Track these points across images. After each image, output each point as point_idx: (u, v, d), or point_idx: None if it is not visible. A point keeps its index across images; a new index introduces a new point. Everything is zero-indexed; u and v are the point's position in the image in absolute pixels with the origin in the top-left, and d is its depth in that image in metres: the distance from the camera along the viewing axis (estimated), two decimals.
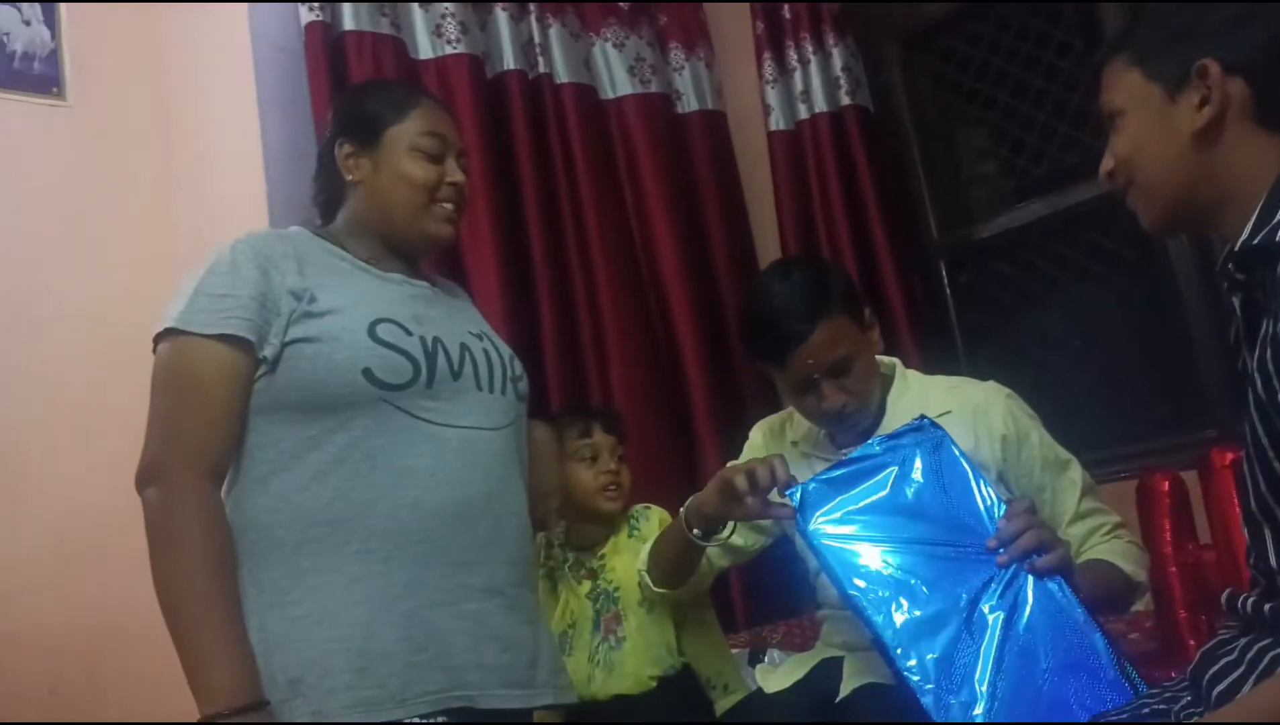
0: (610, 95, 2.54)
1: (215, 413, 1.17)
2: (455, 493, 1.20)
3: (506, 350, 1.37)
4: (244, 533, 1.17)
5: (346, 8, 2.06)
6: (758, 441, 1.68)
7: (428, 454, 1.20)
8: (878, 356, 1.55)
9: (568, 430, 1.74)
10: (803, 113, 2.61)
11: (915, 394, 1.51)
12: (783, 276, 1.48)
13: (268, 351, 1.18)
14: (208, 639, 1.08)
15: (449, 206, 1.34)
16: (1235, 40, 0.96)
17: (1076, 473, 1.48)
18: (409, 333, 1.22)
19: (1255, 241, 0.91)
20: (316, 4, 2.03)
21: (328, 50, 2.02)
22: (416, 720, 1.13)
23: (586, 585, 1.74)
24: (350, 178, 1.33)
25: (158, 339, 1.20)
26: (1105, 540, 1.45)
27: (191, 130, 2.30)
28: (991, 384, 1.53)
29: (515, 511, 1.28)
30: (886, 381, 1.54)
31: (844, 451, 1.48)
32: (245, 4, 2.03)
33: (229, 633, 1.10)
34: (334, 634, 1.12)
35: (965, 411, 1.46)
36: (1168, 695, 1.05)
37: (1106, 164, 1.08)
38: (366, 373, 1.17)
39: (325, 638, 1.12)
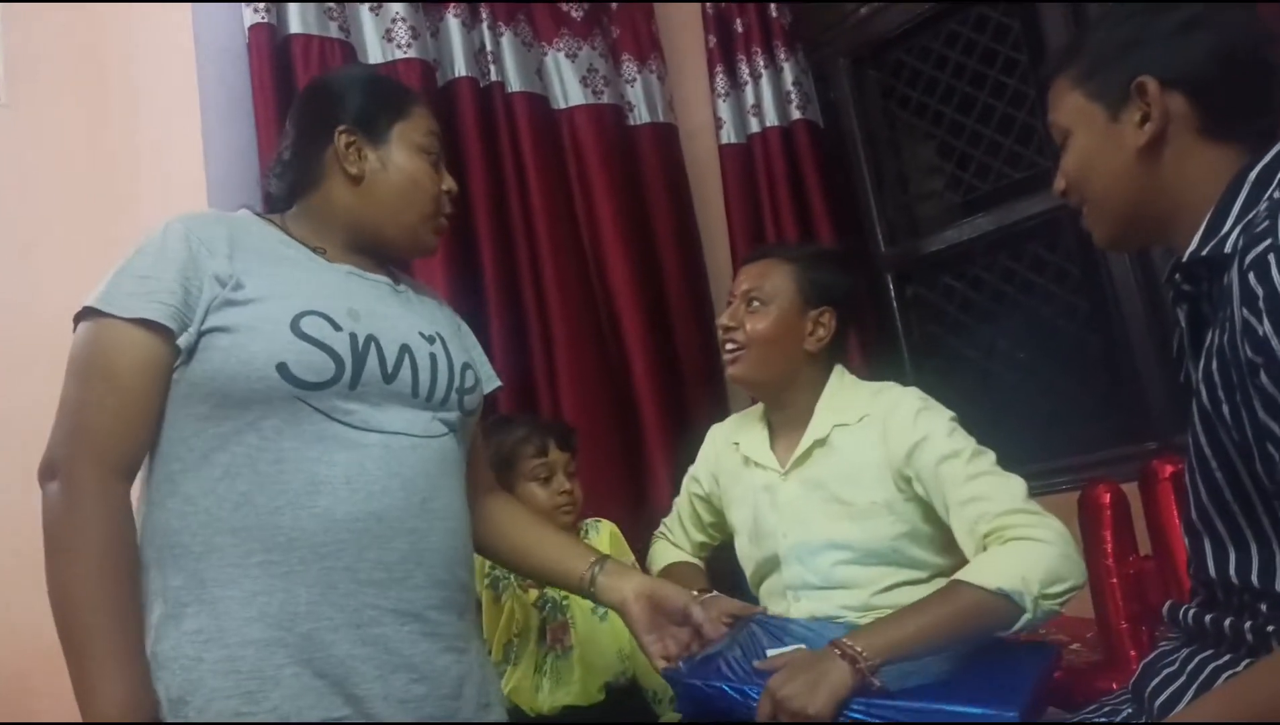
0: (562, 105, 2.53)
1: (128, 404, 1.07)
2: (371, 504, 1.10)
3: (461, 358, 1.27)
4: (151, 537, 1.08)
5: (293, 10, 2.02)
6: (707, 447, 1.72)
7: (343, 461, 1.10)
8: (832, 365, 1.58)
9: (523, 446, 1.73)
10: (754, 126, 2.63)
11: (842, 398, 1.53)
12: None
13: (183, 340, 1.08)
14: (100, 652, 1.00)
15: (443, 218, 1.30)
16: (1172, 55, 0.97)
17: (962, 462, 1.38)
18: (338, 328, 1.12)
19: (1203, 253, 0.92)
20: (261, 5, 1.99)
21: (273, 53, 1.98)
22: None
23: (533, 594, 1.72)
24: (353, 171, 1.24)
25: (77, 319, 1.11)
26: (981, 544, 1.33)
27: (133, 132, 2.24)
28: (910, 389, 1.53)
29: (443, 528, 1.17)
30: (820, 383, 1.56)
31: (774, 456, 1.55)
32: (188, 4, 1.98)
33: (123, 647, 1.01)
34: (226, 653, 1.03)
35: (878, 416, 1.48)
36: (1108, 709, 1.06)
37: (1059, 183, 1.09)
38: (282, 368, 1.07)
39: (216, 657, 1.03)
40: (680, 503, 1.74)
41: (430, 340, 1.24)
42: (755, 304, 1.53)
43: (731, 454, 1.63)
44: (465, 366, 1.27)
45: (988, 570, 1.25)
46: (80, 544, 1.03)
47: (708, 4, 2.70)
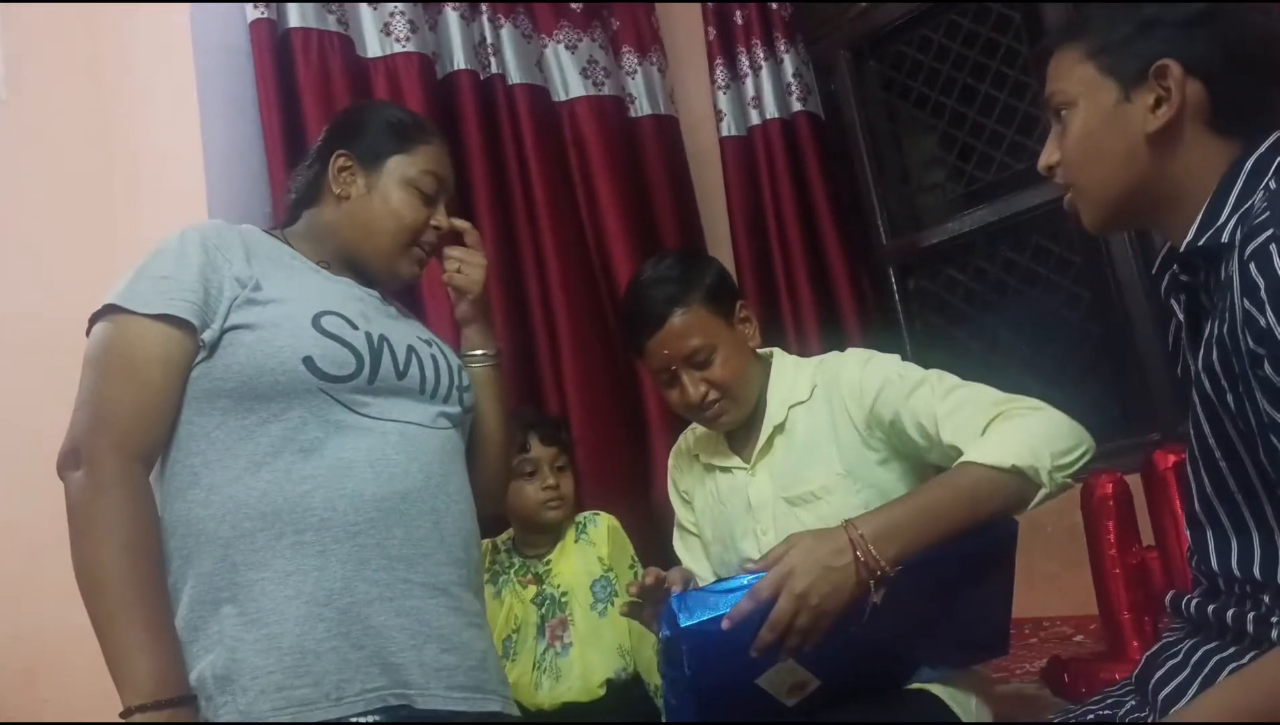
0: (563, 97, 2.52)
1: (150, 395, 1.12)
2: (395, 485, 1.16)
3: (456, 360, 1.35)
4: (174, 528, 1.12)
5: (292, 5, 2.02)
6: (672, 469, 1.65)
7: (365, 446, 1.16)
8: (760, 350, 1.52)
9: None
10: (755, 119, 2.63)
11: (790, 378, 1.48)
12: (649, 269, 1.50)
13: (207, 336, 1.14)
14: (131, 629, 1.04)
15: (425, 250, 1.35)
16: (1196, 41, 0.94)
17: (929, 383, 1.32)
18: (355, 327, 1.20)
19: (1200, 244, 0.92)
20: (261, 2, 1.99)
21: (273, 48, 1.98)
22: (353, 720, 1.07)
23: (531, 590, 1.72)
24: (337, 191, 1.31)
25: (94, 318, 1.15)
26: (977, 434, 1.23)
27: (132, 130, 2.24)
28: (850, 351, 1.48)
29: (458, 511, 1.23)
30: (767, 373, 1.50)
31: (737, 456, 1.49)
32: (186, 2, 1.98)
33: (153, 623, 1.05)
34: (266, 632, 1.08)
35: (827, 384, 1.43)
36: (1111, 700, 1.06)
37: (1050, 156, 1.04)
38: (308, 362, 1.14)
39: (257, 636, 1.08)
40: (679, 550, 1.61)
41: (428, 343, 1.32)
42: (700, 358, 1.42)
43: (693, 468, 1.58)
44: (460, 367, 1.35)
45: (995, 448, 1.16)
46: (106, 525, 1.07)
47: None
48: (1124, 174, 0.98)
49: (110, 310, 1.14)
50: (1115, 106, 0.97)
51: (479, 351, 1.41)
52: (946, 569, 1.16)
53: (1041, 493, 1.16)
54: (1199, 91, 0.94)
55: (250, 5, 1.99)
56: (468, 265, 1.39)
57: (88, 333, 1.16)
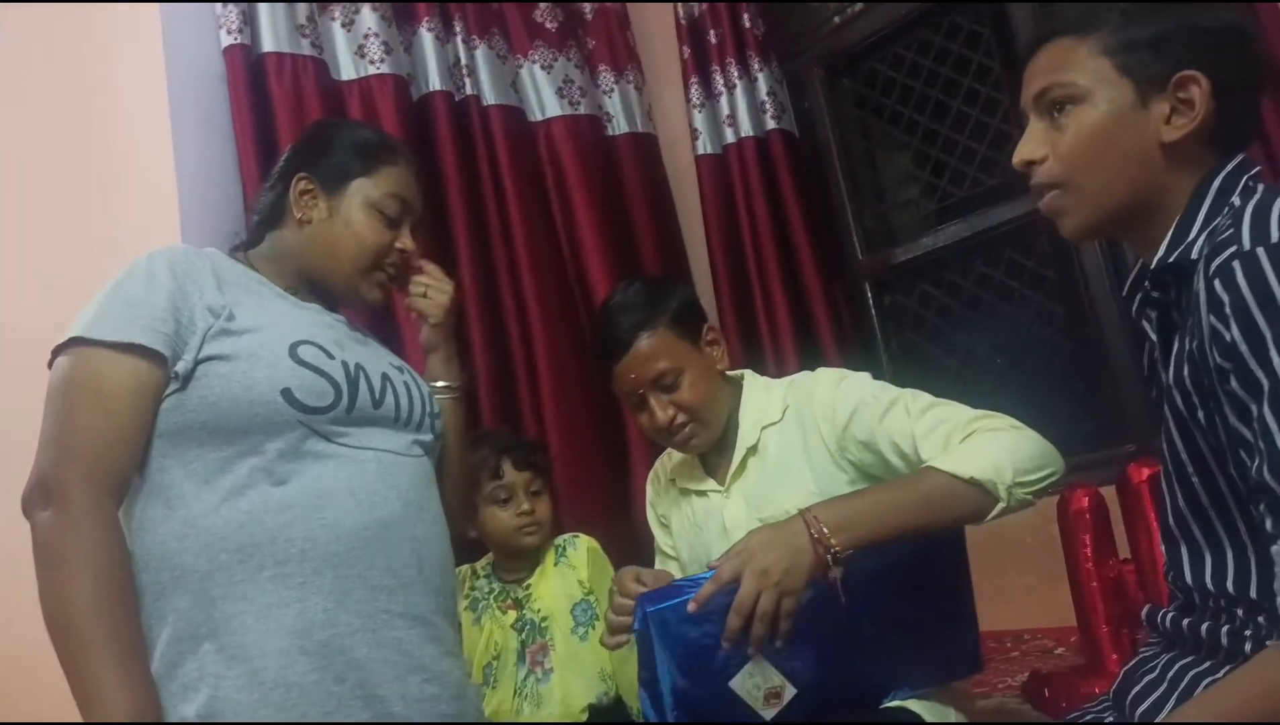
0: (539, 117, 2.53)
1: (119, 426, 1.08)
2: (375, 513, 1.15)
3: (426, 387, 1.34)
4: (146, 562, 1.09)
5: (265, 28, 2.02)
6: (650, 494, 1.65)
7: (345, 475, 1.15)
8: (730, 372, 1.52)
9: (479, 470, 1.69)
10: (729, 137, 2.64)
11: (762, 399, 1.48)
12: (617, 295, 1.51)
13: (180, 367, 1.11)
14: (105, 668, 1.00)
15: (389, 272, 1.33)
16: (1220, 57, 0.91)
17: (904, 403, 1.33)
18: (331, 357, 1.18)
19: (1170, 261, 0.92)
20: (235, 26, 1.98)
21: (248, 73, 1.98)
22: None
23: (511, 615, 1.70)
24: (299, 215, 1.29)
25: (59, 349, 1.12)
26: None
27: (105, 152, 2.22)
28: (821, 371, 1.48)
29: (435, 538, 1.23)
30: (738, 395, 1.50)
31: (711, 479, 1.49)
32: (159, 23, 1.97)
33: (128, 661, 1.02)
34: (249, 667, 1.05)
35: (799, 405, 1.44)
36: (1090, 716, 1.06)
37: (1036, 150, 0.98)
38: (286, 393, 1.11)
39: (239, 672, 1.05)
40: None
41: (400, 370, 1.31)
42: (667, 382, 1.42)
43: (669, 492, 1.59)
44: (430, 394, 1.35)
45: (959, 458, 1.19)
46: (79, 558, 1.04)
47: (681, 15, 2.71)
48: (1128, 181, 0.94)
49: (75, 342, 1.10)
50: (1130, 109, 0.93)
51: (440, 382, 1.40)
52: (901, 570, 1.18)
53: (999, 507, 1.18)
54: (1213, 109, 0.91)
55: (224, 31, 1.98)
56: (433, 290, 1.39)
57: (50, 365, 1.12)
